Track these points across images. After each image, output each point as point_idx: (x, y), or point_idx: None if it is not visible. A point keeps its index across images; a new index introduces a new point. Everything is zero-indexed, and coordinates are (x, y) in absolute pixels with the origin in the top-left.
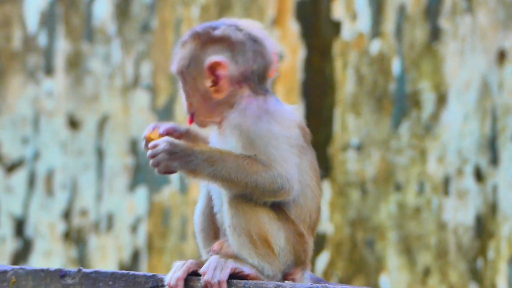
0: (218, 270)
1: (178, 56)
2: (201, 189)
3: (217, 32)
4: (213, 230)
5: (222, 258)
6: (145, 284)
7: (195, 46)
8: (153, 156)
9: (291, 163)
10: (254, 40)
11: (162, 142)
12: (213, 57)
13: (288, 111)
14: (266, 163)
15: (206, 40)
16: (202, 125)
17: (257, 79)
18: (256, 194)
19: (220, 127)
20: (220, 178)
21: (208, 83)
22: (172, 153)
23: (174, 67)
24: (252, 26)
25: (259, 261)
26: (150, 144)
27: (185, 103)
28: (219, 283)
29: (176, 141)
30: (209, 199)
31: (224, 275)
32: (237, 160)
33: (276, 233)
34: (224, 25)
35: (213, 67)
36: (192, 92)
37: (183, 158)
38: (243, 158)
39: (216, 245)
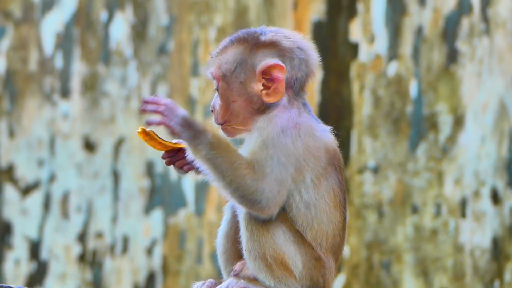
0: None
1: (219, 61)
2: (225, 212)
3: (266, 37)
4: (235, 253)
5: (236, 279)
6: None
7: (242, 50)
8: (167, 115)
9: (283, 185)
10: (301, 49)
11: (180, 110)
12: (268, 60)
13: (319, 130)
14: (259, 173)
15: (254, 44)
16: (232, 133)
17: (298, 88)
18: (234, 197)
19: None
20: (213, 165)
21: (259, 86)
22: (186, 123)
23: (212, 72)
24: (298, 35)
25: (275, 284)
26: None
27: (220, 111)
28: None
29: (191, 117)
30: (233, 222)
31: None
32: (235, 158)
33: (294, 255)
34: (270, 31)
35: (269, 70)
36: (236, 97)
37: (194, 130)
38: (242, 159)
39: (238, 266)
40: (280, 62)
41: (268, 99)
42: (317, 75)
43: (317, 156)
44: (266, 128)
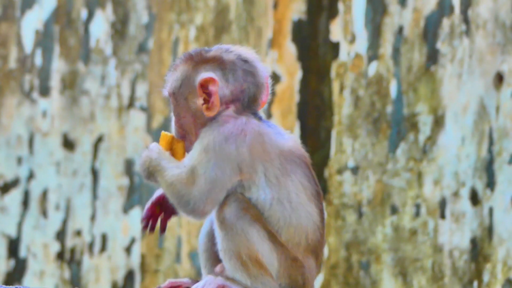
0: (205, 287)
1: (170, 79)
2: None
3: (209, 53)
4: (215, 252)
5: (213, 276)
6: None
7: (188, 67)
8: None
9: (215, 184)
10: (245, 61)
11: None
12: (203, 74)
13: (270, 134)
14: (191, 176)
15: (198, 61)
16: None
17: (247, 100)
18: (173, 202)
19: None
20: (157, 175)
21: (200, 101)
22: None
23: (166, 90)
24: (244, 49)
25: (252, 282)
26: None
27: (175, 127)
28: None
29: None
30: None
31: None
32: (170, 164)
33: (268, 253)
34: (217, 48)
35: (204, 84)
36: (184, 112)
37: (143, 172)
38: (177, 167)
39: (218, 267)
40: (213, 76)
41: (208, 113)
42: (268, 87)
43: (270, 158)
44: (207, 136)
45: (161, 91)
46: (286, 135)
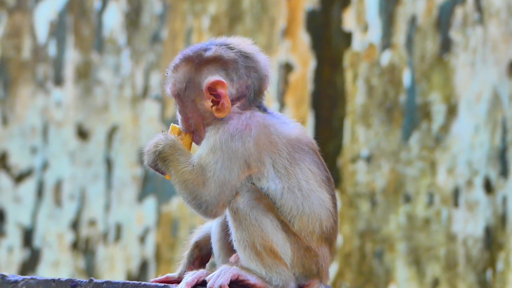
0: (221, 276)
1: (172, 80)
2: None
3: (209, 53)
4: (229, 242)
5: (229, 265)
6: None
7: (189, 69)
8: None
9: (225, 187)
10: (246, 56)
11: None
12: (210, 78)
13: (276, 124)
14: (200, 178)
15: (199, 62)
16: (200, 143)
17: (253, 94)
18: (184, 201)
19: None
20: (168, 174)
21: (208, 103)
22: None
23: (170, 90)
24: (242, 43)
25: (267, 272)
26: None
27: (181, 124)
28: (221, 287)
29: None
30: None
31: (225, 280)
32: (183, 165)
33: (282, 242)
34: (214, 45)
35: (213, 87)
36: (191, 113)
37: (147, 154)
38: (189, 165)
39: (233, 257)
40: (220, 78)
41: (219, 114)
42: (271, 76)
43: (277, 149)
44: (213, 135)
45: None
46: (292, 123)
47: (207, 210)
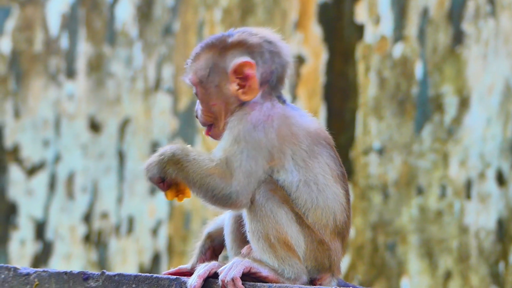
0: (233, 268)
1: (193, 68)
2: None
3: (233, 39)
4: (242, 234)
5: (241, 258)
6: (168, 287)
7: (212, 55)
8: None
9: (252, 177)
10: (269, 42)
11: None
12: (237, 59)
13: (296, 116)
14: (228, 169)
15: (222, 47)
16: (218, 137)
17: (275, 81)
18: (208, 199)
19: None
20: (182, 178)
21: (234, 86)
22: (149, 164)
23: (190, 78)
24: (265, 31)
25: (279, 264)
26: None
27: (202, 115)
28: (233, 280)
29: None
30: None
31: (237, 272)
32: (201, 163)
33: (296, 235)
34: (236, 32)
35: (239, 69)
36: (214, 100)
37: (155, 159)
38: (209, 161)
39: (245, 249)
40: (249, 59)
41: (245, 97)
42: (292, 65)
43: (297, 141)
44: (236, 126)
45: (183, 80)
46: (309, 117)
47: (237, 200)
